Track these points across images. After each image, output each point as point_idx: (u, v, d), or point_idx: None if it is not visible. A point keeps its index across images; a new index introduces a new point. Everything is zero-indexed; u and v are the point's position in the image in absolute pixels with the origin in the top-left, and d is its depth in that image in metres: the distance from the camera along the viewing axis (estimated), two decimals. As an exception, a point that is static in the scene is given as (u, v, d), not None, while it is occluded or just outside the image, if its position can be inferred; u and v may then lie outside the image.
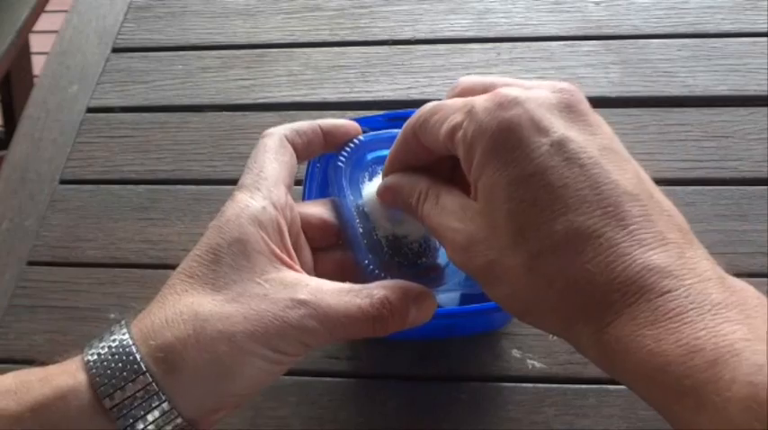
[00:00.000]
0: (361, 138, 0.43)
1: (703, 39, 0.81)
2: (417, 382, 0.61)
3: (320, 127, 0.42)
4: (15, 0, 1.23)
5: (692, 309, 0.28)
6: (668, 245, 0.30)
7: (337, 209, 0.42)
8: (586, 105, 0.35)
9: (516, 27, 0.85)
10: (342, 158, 0.42)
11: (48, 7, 1.28)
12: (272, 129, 0.42)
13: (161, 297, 0.37)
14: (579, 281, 0.30)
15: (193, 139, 0.78)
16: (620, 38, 0.82)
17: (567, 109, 0.33)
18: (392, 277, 0.39)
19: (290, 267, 0.37)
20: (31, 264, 0.70)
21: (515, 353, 0.62)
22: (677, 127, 0.75)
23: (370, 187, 0.42)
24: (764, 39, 0.80)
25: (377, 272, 0.39)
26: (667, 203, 0.33)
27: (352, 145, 0.43)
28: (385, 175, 0.41)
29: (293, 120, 0.79)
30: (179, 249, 0.69)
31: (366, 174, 0.43)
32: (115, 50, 0.87)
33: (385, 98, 0.80)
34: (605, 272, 0.29)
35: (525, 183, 0.32)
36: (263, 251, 0.36)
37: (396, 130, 0.41)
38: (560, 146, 0.32)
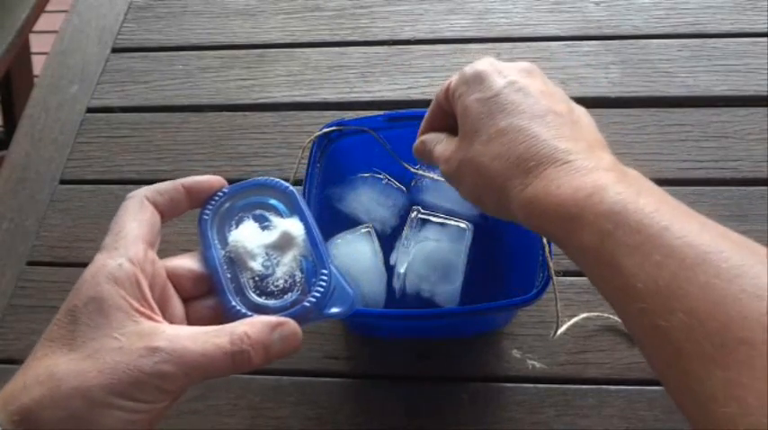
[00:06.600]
0: (225, 190, 0.46)
1: (703, 39, 0.81)
2: (417, 382, 0.61)
3: (182, 185, 0.45)
4: (15, 0, 1.23)
5: (584, 169, 0.40)
6: (578, 141, 0.43)
7: (205, 259, 0.45)
8: (541, 73, 0.48)
9: (516, 27, 0.85)
10: (207, 212, 0.46)
11: (48, 7, 1.28)
12: (133, 192, 0.44)
13: (24, 364, 0.38)
14: (511, 156, 0.43)
15: (193, 139, 0.78)
16: (620, 38, 0.82)
17: (525, 71, 0.47)
18: (260, 315, 0.41)
19: (150, 318, 0.39)
20: (31, 264, 0.71)
21: (515, 353, 0.62)
22: (677, 127, 0.75)
23: (236, 234, 0.45)
24: (764, 39, 0.80)
25: (243, 312, 0.42)
26: (592, 128, 0.45)
27: (216, 197, 0.46)
28: (420, 134, 0.54)
29: (293, 119, 0.81)
30: (178, 249, 0.68)
31: (233, 222, 0.46)
32: (115, 50, 0.87)
33: (385, 98, 0.80)
34: (529, 150, 0.43)
35: (486, 101, 0.46)
36: (121, 306, 0.38)
37: (261, 178, 0.47)
38: (513, 83, 0.46)
